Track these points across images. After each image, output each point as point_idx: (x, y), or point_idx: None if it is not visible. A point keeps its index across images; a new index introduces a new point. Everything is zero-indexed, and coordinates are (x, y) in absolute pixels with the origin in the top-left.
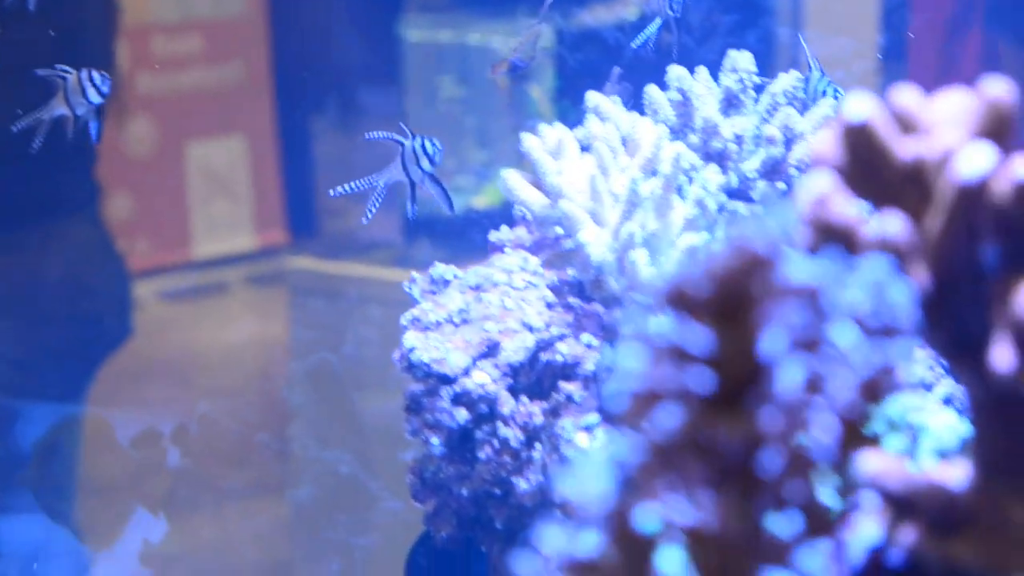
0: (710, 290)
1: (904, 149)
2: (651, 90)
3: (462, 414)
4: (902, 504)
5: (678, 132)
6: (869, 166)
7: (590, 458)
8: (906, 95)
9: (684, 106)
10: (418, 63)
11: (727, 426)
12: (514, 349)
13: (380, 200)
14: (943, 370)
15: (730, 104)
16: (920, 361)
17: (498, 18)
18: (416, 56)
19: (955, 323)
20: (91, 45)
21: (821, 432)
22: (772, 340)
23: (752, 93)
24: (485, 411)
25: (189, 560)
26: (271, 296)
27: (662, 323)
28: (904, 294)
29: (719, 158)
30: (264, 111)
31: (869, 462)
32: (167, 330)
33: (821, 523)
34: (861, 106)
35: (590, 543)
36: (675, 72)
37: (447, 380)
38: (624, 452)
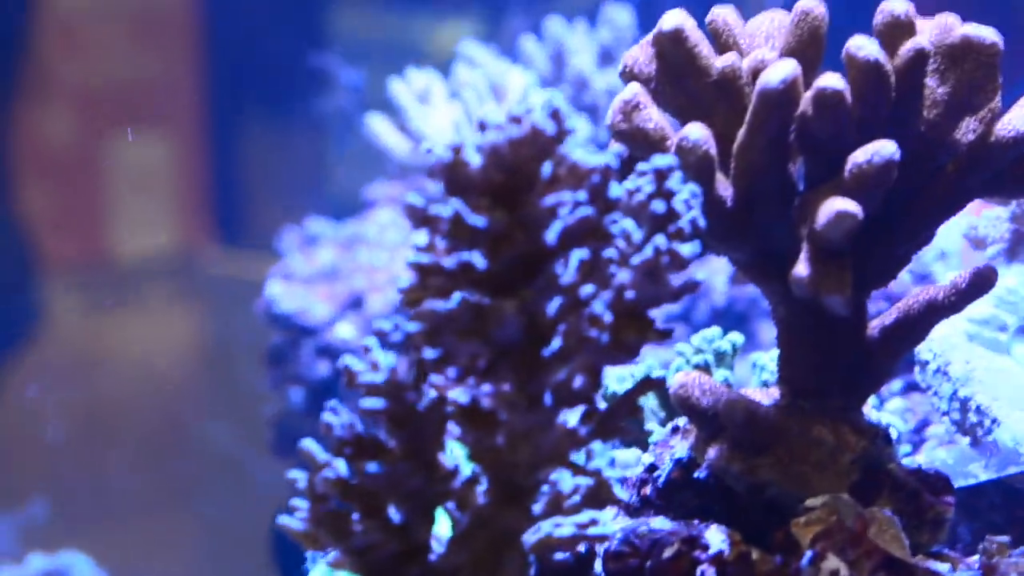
0: (493, 169)
1: (715, 61)
2: (526, 40)
3: (324, 367)
4: (709, 420)
5: (551, 83)
6: (681, 77)
7: (377, 334)
8: (722, 11)
9: (558, 58)
10: (354, 59)
11: (507, 306)
12: (380, 303)
13: None
14: None
15: (606, 59)
16: None
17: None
18: (352, 52)
19: (761, 239)
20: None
21: (600, 316)
22: (555, 223)
23: None
24: None
25: (66, 527)
26: (189, 293)
27: (447, 200)
28: (688, 193)
29: (590, 111)
30: (194, 106)
31: (675, 377)
32: (75, 322)
33: (608, 422)
34: (674, 16)
35: (370, 418)
36: (552, 23)
37: (310, 331)
38: (409, 328)
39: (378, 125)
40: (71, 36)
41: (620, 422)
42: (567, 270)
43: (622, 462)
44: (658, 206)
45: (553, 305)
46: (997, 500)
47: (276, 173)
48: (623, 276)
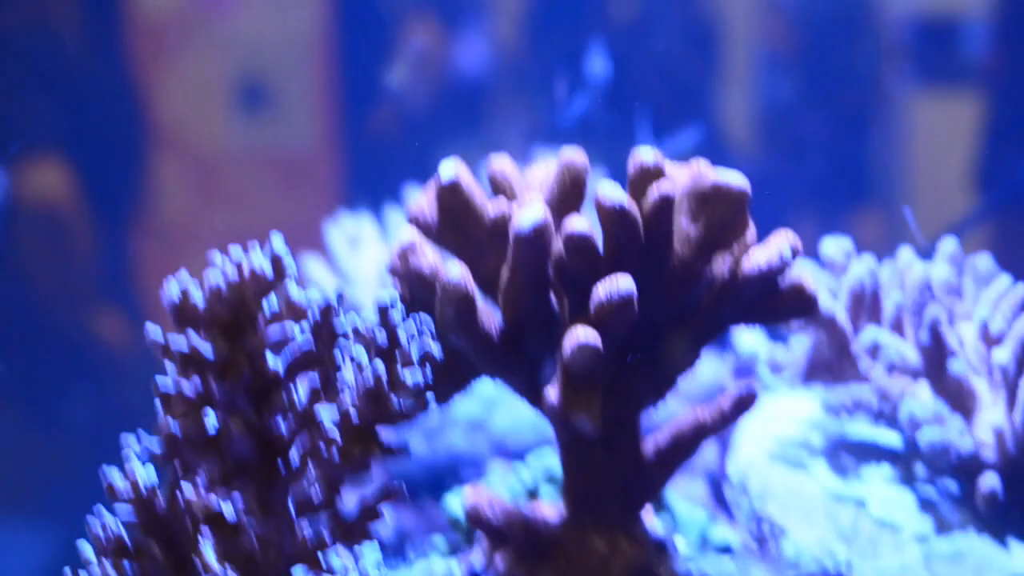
0: (216, 307)
1: (488, 208)
2: None
3: None
4: (496, 532)
5: None
6: (459, 223)
7: (134, 450)
8: (499, 161)
9: None
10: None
11: (233, 426)
12: None
13: None
14: None
15: None
16: None
17: None
18: None
19: (530, 366)
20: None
21: (330, 434)
22: (276, 353)
23: None
24: None
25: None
26: None
27: (179, 335)
28: (413, 325)
29: None
30: (318, 177)
31: (467, 495)
32: None
33: (354, 528)
34: (450, 168)
35: (125, 524)
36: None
37: None
38: (153, 448)
39: (311, 265)
40: (193, 99)
41: (365, 527)
42: (298, 395)
43: (439, 571)
44: (380, 336)
45: (285, 425)
46: None
47: None
48: (348, 399)
